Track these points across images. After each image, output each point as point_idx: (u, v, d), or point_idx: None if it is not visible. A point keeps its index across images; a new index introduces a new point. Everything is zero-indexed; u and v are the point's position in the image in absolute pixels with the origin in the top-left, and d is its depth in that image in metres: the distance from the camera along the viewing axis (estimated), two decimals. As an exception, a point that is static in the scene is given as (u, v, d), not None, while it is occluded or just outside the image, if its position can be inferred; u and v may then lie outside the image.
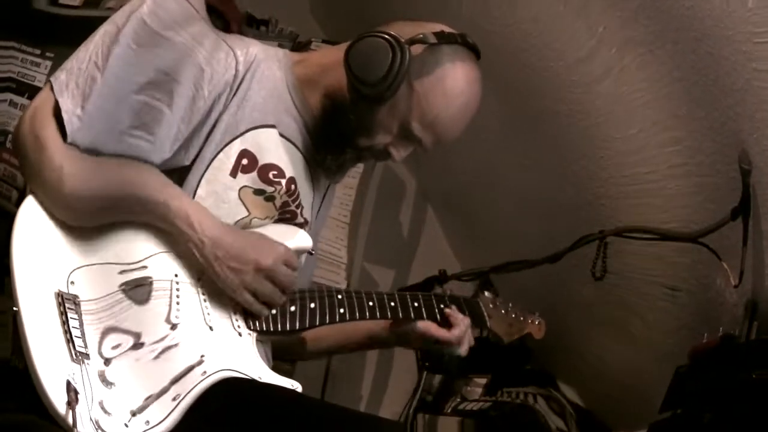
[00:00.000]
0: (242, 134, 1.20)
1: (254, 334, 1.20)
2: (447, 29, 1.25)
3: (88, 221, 1.13)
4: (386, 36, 1.18)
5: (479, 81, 1.26)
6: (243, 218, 1.22)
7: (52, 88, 1.11)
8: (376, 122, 1.21)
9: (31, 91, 1.80)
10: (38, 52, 1.85)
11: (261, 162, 1.21)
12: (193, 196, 1.18)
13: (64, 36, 1.83)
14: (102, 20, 1.92)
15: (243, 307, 1.19)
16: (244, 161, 1.20)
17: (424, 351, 1.87)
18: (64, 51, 1.85)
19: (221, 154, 1.19)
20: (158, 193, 1.12)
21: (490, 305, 1.51)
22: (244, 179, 1.20)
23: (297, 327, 1.24)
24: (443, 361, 1.89)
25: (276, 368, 1.26)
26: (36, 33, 1.85)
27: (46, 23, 1.86)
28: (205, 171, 1.19)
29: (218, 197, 1.19)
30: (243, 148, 1.20)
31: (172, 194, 1.13)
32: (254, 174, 1.21)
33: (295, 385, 1.20)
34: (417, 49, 1.20)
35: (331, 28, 2.77)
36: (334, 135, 1.26)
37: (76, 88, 1.10)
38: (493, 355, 2.28)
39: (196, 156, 1.18)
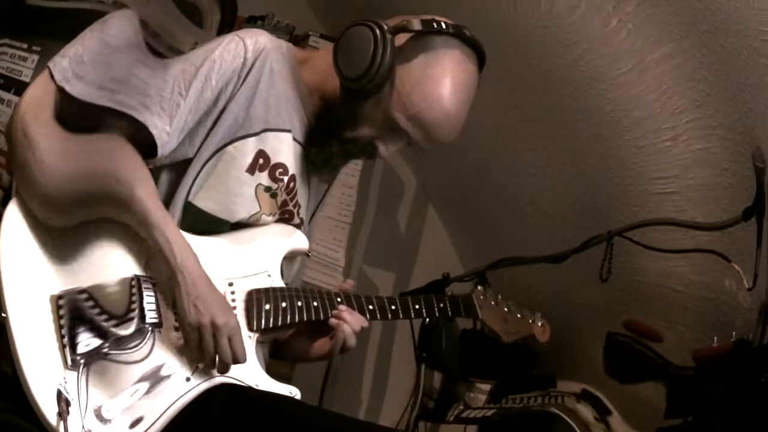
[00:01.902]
0: (258, 134, 1.21)
1: (255, 335, 1.20)
2: (440, 18, 1.21)
3: (67, 215, 1.09)
4: (371, 25, 1.17)
5: (466, 84, 1.23)
6: (255, 213, 1.24)
7: (53, 77, 1.08)
8: (361, 114, 1.22)
9: (17, 86, 1.77)
10: (25, 46, 1.83)
11: (273, 161, 1.24)
12: (190, 189, 1.18)
13: (51, 29, 1.81)
14: (91, 13, 1.89)
15: (242, 311, 1.19)
16: (261, 160, 1.22)
17: (421, 341, 1.87)
18: (51, 44, 1.86)
19: (230, 148, 1.19)
20: (152, 212, 1.09)
21: (481, 297, 1.52)
22: (260, 177, 1.22)
23: (304, 318, 1.26)
24: (440, 352, 1.88)
25: (274, 371, 1.25)
26: (25, 27, 1.82)
27: (35, 17, 1.83)
28: (207, 161, 1.19)
29: (229, 190, 1.20)
30: (260, 148, 1.21)
31: (162, 217, 1.11)
32: (266, 172, 1.23)
33: (293, 393, 1.20)
34: (402, 38, 1.18)
35: (328, 20, 2.74)
36: (322, 128, 1.28)
37: (91, 67, 1.10)
38: (498, 361, 2.26)
39: (199, 147, 1.19)
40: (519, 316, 1.58)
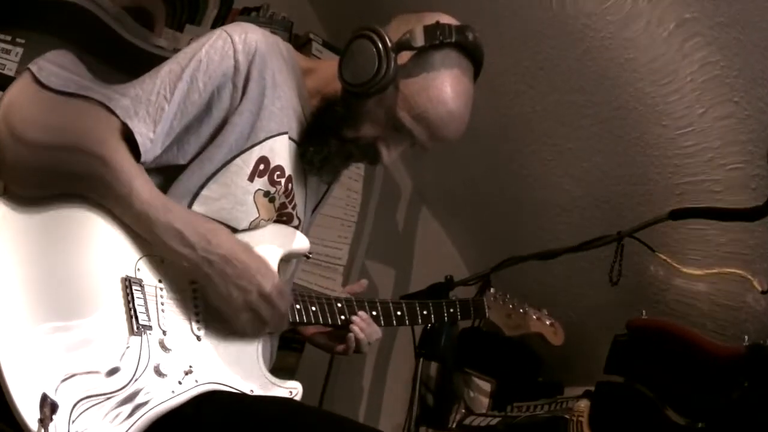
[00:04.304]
0: (261, 142, 1.21)
1: None
2: (444, 21, 1.20)
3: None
4: (374, 39, 1.17)
5: (467, 92, 1.23)
6: (254, 219, 1.23)
7: (35, 79, 1.05)
8: (362, 112, 1.21)
9: (1, 80, 1.70)
10: (9, 38, 1.76)
11: (272, 165, 1.23)
12: (194, 197, 1.16)
13: (36, 21, 1.76)
14: (78, 7, 1.83)
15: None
16: (261, 166, 1.21)
17: (422, 338, 1.90)
18: (36, 37, 1.79)
19: (238, 160, 1.18)
20: (145, 205, 1.07)
21: (492, 299, 1.58)
22: (258, 183, 1.22)
23: (304, 320, 1.28)
24: (439, 347, 1.89)
25: (280, 361, 1.26)
26: (8, 18, 1.76)
27: (20, 8, 1.77)
28: (215, 173, 1.17)
29: (236, 200, 1.19)
30: (262, 155, 1.21)
31: (160, 206, 1.09)
32: (266, 178, 1.22)
33: (294, 393, 1.21)
34: (405, 56, 1.18)
35: (324, 11, 2.70)
36: (320, 126, 1.26)
37: (76, 71, 1.09)
38: (497, 358, 2.26)
39: (196, 155, 1.16)
40: (522, 311, 1.60)
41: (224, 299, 1.12)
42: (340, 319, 1.32)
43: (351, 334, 1.31)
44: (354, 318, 1.31)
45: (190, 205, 1.16)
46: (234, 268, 1.10)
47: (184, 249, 1.08)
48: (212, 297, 1.12)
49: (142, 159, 1.10)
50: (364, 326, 1.31)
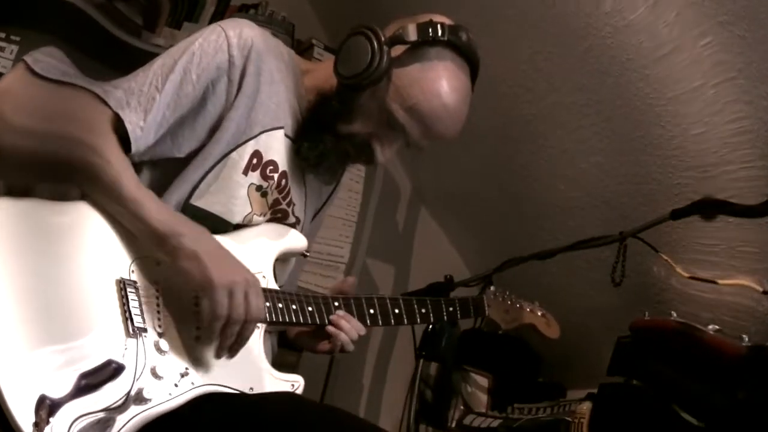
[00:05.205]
0: (256, 136, 1.22)
1: (263, 325, 1.21)
2: (437, 20, 1.21)
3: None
4: (368, 35, 1.19)
5: (463, 88, 1.23)
6: (248, 214, 1.24)
7: (30, 69, 1.06)
8: (356, 106, 1.21)
9: (-4, 78, 1.70)
10: (4, 36, 1.75)
11: (265, 159, 1.24)
12: (193, 190, 1.17)
13: (32, 20, 1.76)
14: (72, 6, 1.81)
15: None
16: (254, 160, 1.22)
17: (423, 340, 1.91)
18: (31, 35, 1.79)
19: (234, 154, 1.20)
20: (135, 192, 1.07)
21: (492, 297, 1.59)
22: (252, 177, 1.23)
23: (301, 321, 1.27)
24: (440, 348, 1.90)
25: (281, 358, 1.28)
26: (3, 16, 1.75)
27: (15, 5, 1.76)
28: (213, 167, 1.19)
29: (230, 194, 1.21)
30: (256, 148, 1.22)
31: (147, 194, 1.09)
32: (258, 171, 1.23)
33: (296, 385, 1.22)
34: (398, 50, 1.20)
35: (323, 10, 2.69)
36: (315, 121, 1.27)
37: (71, 67, 1.09)
38: (496, 356, 2.26)
39: (196, 151, 1.18)
40: (518, 306, 1.63)
41: (185, 282, 1.08)
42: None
43: (335, 331, 1.27)
44: (332, 318, 1.27)
45: (188, 198, 1.17)
46: (202, 262, 1.06)
47: (167, 236, 1.05)
48: (179, 283, 1.09)
49: (134, 148, 1.11)
50: (343, 324, 1.27)
